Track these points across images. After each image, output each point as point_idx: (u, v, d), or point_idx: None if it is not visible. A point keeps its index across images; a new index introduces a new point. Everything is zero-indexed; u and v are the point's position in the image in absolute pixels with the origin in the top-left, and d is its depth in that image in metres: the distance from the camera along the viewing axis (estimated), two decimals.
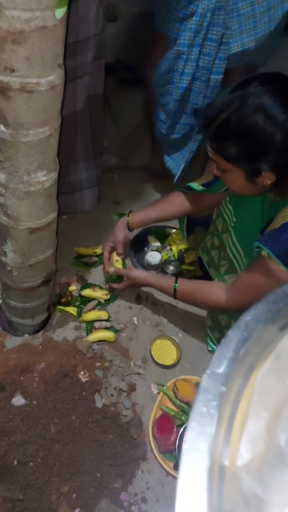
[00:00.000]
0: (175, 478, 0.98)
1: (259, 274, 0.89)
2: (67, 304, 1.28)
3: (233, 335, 0.35)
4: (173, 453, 1.01)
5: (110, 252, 1.31)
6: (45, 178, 0.80)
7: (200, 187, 1.17)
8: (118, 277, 1.29)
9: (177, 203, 1.25)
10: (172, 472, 0.98)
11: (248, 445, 0.31)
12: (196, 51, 1.17)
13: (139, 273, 1.21)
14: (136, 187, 1.74)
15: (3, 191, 0.82)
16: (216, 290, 1.04)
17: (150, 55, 1.37)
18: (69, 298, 1.29)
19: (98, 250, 1.42)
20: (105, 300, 1.30)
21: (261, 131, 0.79)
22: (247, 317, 0.36)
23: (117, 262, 1.31)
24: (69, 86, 1.13)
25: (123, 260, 1.34)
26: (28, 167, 0.77)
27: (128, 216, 1.27)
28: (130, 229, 1.28)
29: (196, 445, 0.31)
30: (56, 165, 0.84)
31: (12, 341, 1.14)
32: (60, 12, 0.58)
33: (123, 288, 1.26)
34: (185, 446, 0.31)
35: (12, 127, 0.71)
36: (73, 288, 1.32)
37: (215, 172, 0.93)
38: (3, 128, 0.71)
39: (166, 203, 1.26)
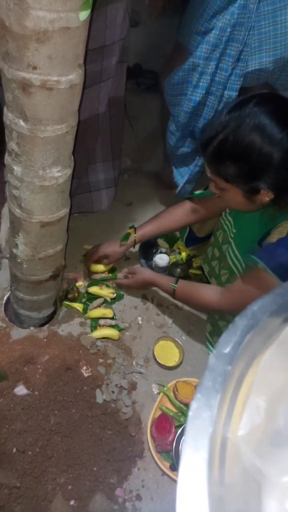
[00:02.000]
0: (170, 478, 0.98)
1: (253, 284, 0.93)
2: (74, 300, 1.30)
3: (240, 322, 0.38)
4: (170, 454, 1.01)
5: (98, 260, 1.35)
6: (59, 174, 0.83)
7: (199, 191, 1.20)
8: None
9: (178, 217, 1.28)
10: (168, 472, 0.98)
11: (249, 421, 0.33)
12: (213, 65, 1.17)
13: (145, 270, 1.29)
14: (148, 191, 1.77)
15: (19, 184, 0.84)
16: (209, 292, 1.09)
17: (168, 65, 1.38)
18: (76, 294, 1.31)
19: None
20: (111, 299, 1.32)
21: (259, 151, 0.81)
22: (254, 306, 0.39)
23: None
24: (93, 89, 1.17)
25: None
26: (44, 162, 0.80)
27: (135, 233, 1.31)
28: (134, 245, 1.33)
29: (201, 414, 0.33)
30: (71, 162, 0.86)
31: (18, 333, 1.17)
32: (84, 15, 0.61)
33: (129, 284, 1.29)
34: (190, 414, 0.34)
35: (31, 122, 0.73)
36: (80, 284, 1.34)
37: (214, 190, 0.95)
38: (22, 123, 0.74)
39: (167, 217, 1.30)
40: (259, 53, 1.16)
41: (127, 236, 1.32)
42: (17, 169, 0.81)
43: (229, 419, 0.34)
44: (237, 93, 1.23)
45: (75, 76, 0.71)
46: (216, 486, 0.31)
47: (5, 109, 0.76)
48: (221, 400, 0.34)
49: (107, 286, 1.34)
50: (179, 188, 1.48)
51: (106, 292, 1.31)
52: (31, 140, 0.75)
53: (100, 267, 1.36)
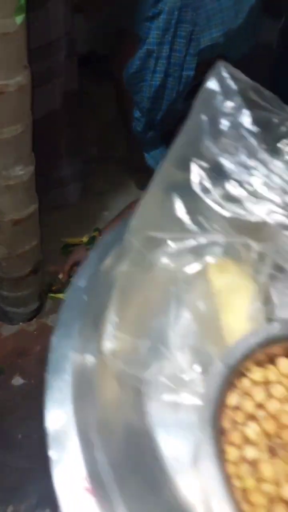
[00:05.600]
0: None
1: None
2: (58, 291, 1.35)
3: (93, 254, 0.45)
4: None
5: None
6: (22, 172, 0.87)
7: None
8: None
9: None
10: None
11: (113, 336, 0.37)
12: (167, 48, 1.20)
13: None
14: (118, 177, 1.80)
15: None
16: None
17: (118, 53, 1.40)
18: (60, 285, 1.36)
19: (84, 239, 1.49)
20: None
21: None
22: (105, 237, 0.47)
23: None
24: (46, 87, 1.19)
25: None
26: (6, 163, 0.83)
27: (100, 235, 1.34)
28: None
29: (61, 343, 0.40)
30: (32, 159, 0.90)
31: (7, 329, 1.22)
32: (20, 19, 0.64)
33: None
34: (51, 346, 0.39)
35: None
36: (62, 276, 1.39)
37: None
38: None
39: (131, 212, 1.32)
40: (208, 30, 1.19)
41: (93, 239, 1.35)
42: None
43: (94, 341, 0.38)
44: (194, 72, 1.26)
45: (22, 78, 0.74)
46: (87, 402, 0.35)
47: None
48: (82, 327, 0.39)
49: None
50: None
51: None
52: None
53: None
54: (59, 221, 1.62)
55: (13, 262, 1.04)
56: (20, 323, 1.25)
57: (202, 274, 0.39)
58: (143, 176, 1.68)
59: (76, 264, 1.37)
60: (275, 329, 0.37)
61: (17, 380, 1.06)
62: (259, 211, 0.38)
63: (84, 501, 0.33)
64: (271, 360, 0.39)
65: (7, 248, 1.00)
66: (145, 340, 0.37)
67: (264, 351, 0.37)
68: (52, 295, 1.33)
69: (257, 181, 0.39)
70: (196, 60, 1.24)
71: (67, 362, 0.39)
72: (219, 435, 0.33)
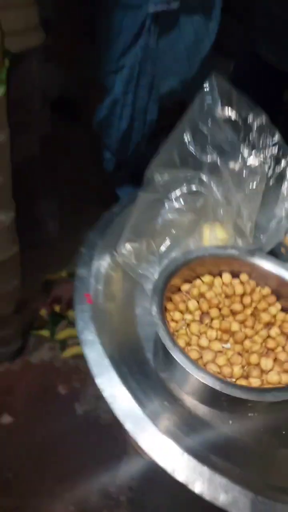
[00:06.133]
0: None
1: None
2: (40, 328, 1.39)
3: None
4: None
5: None
6: (4, 217, 0.94)
7: None
8: None
9: None
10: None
11: (127, 244, 0.64)
12: (131, 96, 1.34)
13: None
14: (92, 215, 1.87)
15: None
16: None
17: (87, 100, 1.54)
18: (42, 322, 1.39)
19: (63, 274, 1.55)
20: None
21: None
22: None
23: None
24: (23, 135, 1.28)
25: None
26: None
27: None
28: None
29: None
30: (12, 204, 0.98)
31: None
32: (2, 91, 0.73)
33: None
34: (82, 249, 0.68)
35: None
36: (43, 312, 1.43)
37: None
38: None
39: None
40: (166, 79, 1.35)
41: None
42: None
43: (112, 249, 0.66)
44: (156, 117, 1.40)
45: (2, 137, 0.83)
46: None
47: None
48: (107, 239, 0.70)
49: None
50: None
51: (72, 312, 1.41)
52: None
53: None
54: (38, 259, 1.67)
55: None
56: (4, 362, 1.27)
57: (198, 227, 0.68)
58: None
59: (57, 299, 1.42)
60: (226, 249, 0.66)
61: (5, 418, 1.07)
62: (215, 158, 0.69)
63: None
64: (220, 274, 0.67)
65: None
66: (146, 253, 0.64)
67: (215, 263, 0.65)
68: (34, 332, 1.37)
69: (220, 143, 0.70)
70: (158, 105, 1.38)
71: (93, 259, 0.66)
72: (165, 302, 0.58)
